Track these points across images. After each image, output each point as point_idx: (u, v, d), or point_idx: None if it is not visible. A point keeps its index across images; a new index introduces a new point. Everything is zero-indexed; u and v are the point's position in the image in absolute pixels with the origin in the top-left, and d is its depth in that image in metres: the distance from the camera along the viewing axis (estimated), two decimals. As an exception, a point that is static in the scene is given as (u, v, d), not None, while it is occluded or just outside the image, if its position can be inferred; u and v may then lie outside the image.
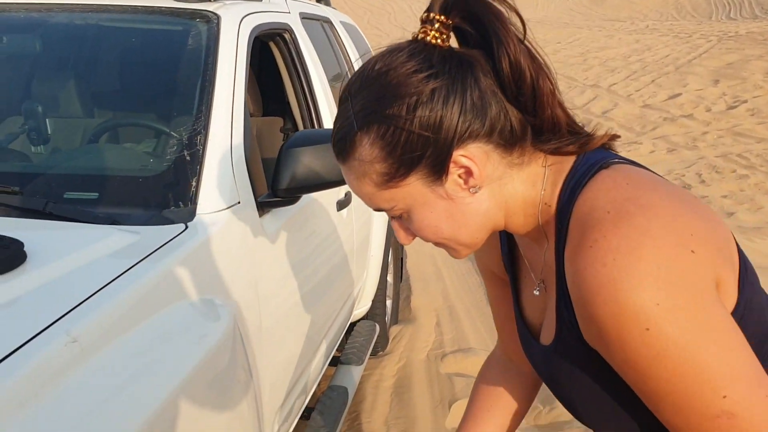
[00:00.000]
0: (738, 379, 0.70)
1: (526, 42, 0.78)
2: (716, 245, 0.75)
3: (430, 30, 0.79)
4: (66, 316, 1.04)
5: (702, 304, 0.70)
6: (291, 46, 2.41)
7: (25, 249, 1.18)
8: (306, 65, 2.46)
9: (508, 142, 0.79)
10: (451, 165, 0.78)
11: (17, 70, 1.97)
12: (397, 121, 0.76)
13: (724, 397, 0.69)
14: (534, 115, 0.79)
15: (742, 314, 0.77)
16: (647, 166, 0.85)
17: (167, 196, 1.50)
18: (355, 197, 2.37)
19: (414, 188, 0.80)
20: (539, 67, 0.79)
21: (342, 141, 0.81)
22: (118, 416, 0.99)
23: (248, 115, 1.84)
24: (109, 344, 1.06)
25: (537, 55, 0.79)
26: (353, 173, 0.82)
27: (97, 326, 1.06)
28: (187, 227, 1.43)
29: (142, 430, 1.00)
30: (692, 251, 0.71)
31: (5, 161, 1.73)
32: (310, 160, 1.64)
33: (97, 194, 1.51)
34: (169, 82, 1.83)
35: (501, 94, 0.78)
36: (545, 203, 0.83)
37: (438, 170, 0.79)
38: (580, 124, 0.84)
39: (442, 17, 0.79)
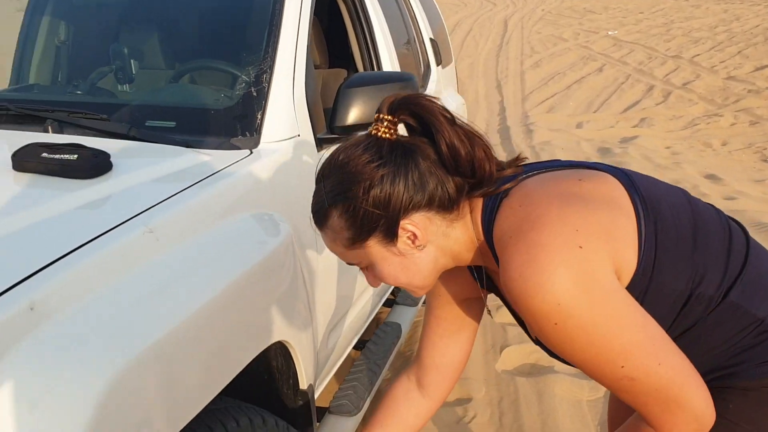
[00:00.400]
0: (631, 352, 0.89)
1: (457, 122, 0.99)
2: (604, 229, 0.92)
3: (381, 127, 1.00)
4: (145, 212, 1.20)
5: (597, 294, 0.88)
6: (356, 0, 2.52)
7: (111, 159, 1.36)
8: (370, 19, 2.57)
9: (446, 206, 1.01)
10: (400, 230, 1.00)
11: (106, 18, 2.17)
12: (356, 200, 0.99)
13: (622, 366, 0.90)
14: (473, 177, 1.00)
15: (654, 252, 0.95)
16: (554, 161, 1.07)
17: (235, 126, 1.66)
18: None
19: (374, 249, 1.03)
20: (472, 139, 0.99)
21: (318, 213, 1.05)
22: (184, 297, 1.14)
23: (311, 60, 1.97)
24: (180, 239, 1.22)
25: (470, 130, 1.00)
26: (328, 237, 1.06)
27: (171, 223, 1.22)
28: (252, 152, 1.58)
29: (201, 311, 1.15)
30: (580, 247, 0.89)
31: (95, 95, 1.93)
32: (365, 100, 1.76)
33: (174, 123, 1.68)
34: (239, 26, 1.98)
35: (442, 169, 0.99)
36: (477, 239, 1.05)
37: (390, 235, 1.01)
38: (503, 162, 1.05)
39: (389, 117, 1.00)
